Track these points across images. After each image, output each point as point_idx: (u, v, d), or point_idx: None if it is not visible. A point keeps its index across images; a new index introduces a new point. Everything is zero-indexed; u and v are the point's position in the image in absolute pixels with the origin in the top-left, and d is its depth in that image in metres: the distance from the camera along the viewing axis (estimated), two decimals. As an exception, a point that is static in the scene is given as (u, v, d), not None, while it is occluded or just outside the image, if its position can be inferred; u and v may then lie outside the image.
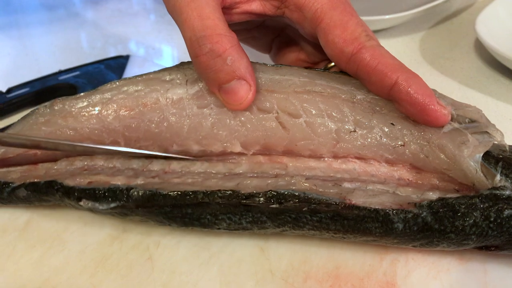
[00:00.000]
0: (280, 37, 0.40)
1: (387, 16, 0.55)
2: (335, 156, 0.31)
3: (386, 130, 0.30)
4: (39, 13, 0.72)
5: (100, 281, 0.30)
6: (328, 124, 0.31)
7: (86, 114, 0.32)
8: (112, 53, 0.57)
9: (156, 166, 0.32)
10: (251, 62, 0.31)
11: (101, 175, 0.32)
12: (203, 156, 0.33)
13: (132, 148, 0.32)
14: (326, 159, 0.31)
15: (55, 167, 0.34)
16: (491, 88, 0.48)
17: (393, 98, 0.29)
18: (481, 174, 0.27)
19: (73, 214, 0.34)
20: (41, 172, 0.34)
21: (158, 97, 0.32)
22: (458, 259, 0.30)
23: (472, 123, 0.30)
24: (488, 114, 0.45)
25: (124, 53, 0.56)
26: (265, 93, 0.31)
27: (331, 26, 0.31)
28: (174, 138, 0.32)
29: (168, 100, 0.32)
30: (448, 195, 0.27)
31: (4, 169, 0.34)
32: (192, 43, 0.29)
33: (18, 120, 0.34)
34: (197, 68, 0.30)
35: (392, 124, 0.30)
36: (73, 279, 0.30)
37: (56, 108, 0.32)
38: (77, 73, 0.52)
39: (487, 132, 0.29)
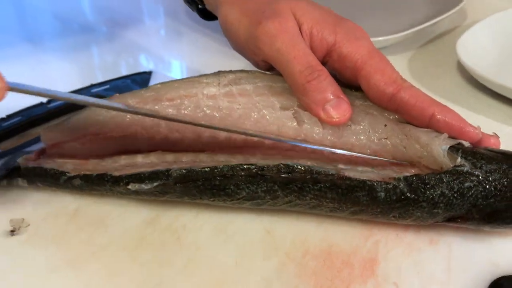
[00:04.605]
0: None
1: (380, 38, 0.62)
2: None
3: (374, 127, 0.38)
4: (53, 26, 0.79)
5: (140, 255, 0.37)
6: None
7: (140, 105, 0.41)
8: (123, 67, 0.64)
9: (187, 157, 0.39)
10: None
11: (141, 169, 0.39)
12: (228, 144, 0.40)
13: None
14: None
15: (102, 163, 0.41)
16: (470, 103, 0.55)
17: (432, 126, 0.37)
18: (447, 158, 0.35)
19: (114, 204, 0.41)
20: (90, 166, 0.41)
21: (196, 92, 0.40)
22: (428, 241, 0.37)
23: None
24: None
25: (134, 68, 0.63)
26: (288, 95, 0.39)
27: (371, 73, 0.38)
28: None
29: (203, 95, 0.40)
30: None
31: (61, 160, 0.42)
32: (302, 73, 0.37)
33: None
34: (307, 91, 0.37)
35: (384, 125, 0.38)
36: (117, 253, 0.37)
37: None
38: (107, 86, 0.60)
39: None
